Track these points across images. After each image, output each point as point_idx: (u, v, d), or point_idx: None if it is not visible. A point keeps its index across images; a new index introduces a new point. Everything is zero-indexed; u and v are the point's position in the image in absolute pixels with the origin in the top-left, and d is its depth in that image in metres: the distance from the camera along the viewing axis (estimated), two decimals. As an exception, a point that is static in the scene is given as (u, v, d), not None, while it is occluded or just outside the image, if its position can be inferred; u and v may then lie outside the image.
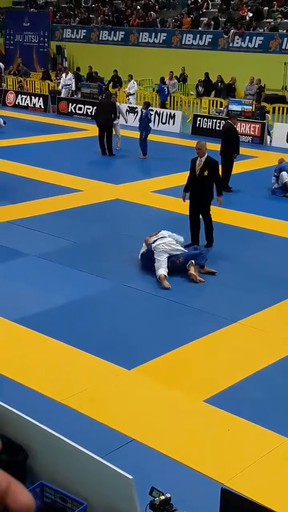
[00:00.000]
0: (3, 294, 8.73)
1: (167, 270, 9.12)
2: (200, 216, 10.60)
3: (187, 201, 10.60)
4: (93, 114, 22.43)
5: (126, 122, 19.48)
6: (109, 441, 5.59)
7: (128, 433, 5.72)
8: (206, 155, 10.42)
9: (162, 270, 9.09)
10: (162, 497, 4.11)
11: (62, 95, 25.89)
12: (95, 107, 22.37)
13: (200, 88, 26.22)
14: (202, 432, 5.80)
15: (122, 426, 5.82)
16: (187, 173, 10.65)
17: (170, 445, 5.59)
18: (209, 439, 5.71)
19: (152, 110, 21.76)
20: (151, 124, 18.26)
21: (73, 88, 26.39)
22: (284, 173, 14.16)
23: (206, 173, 10.32)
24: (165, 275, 9.03)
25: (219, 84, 26.24)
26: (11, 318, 7.94)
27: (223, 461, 5.43)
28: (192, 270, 9.23)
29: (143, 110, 18.15)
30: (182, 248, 9.56)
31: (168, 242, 9.45)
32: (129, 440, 5.63)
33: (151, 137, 17.89)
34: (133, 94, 24.80)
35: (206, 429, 5.84)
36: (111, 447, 5.45)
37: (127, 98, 24.72)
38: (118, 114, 18.20)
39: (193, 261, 9.29)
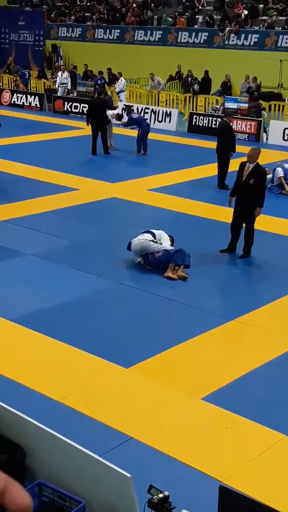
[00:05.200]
0: (0, 293, 8.72)
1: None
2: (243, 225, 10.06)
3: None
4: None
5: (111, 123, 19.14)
6: (107, 439, 5.59)
7: (126, 432, 5.72)
8: (256, 162, 9.88)
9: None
10: (161, 495, 4.11)
11: (58, 94, 25.86)
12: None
13: (195, 86, 26.20)
14: (200, 430, 5.81)
15: (120, 424, 5.82)
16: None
17: (168, 443, 5.59)
18: (207, 436, 5.72)
19: (148, 109, 22.63)
20: (147, 122, 18.85)
21: (69, 86, 26.38)
22: (278, 169, 14.29)
23: (252, 181, 9.79)
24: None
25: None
26: (7, 317, 7.93)
27: (221, 458, 5.43)
28: (179, 271, 9.22)
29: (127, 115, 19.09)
30: (159, 245, 9.45)
31: (139, 240, 9.48)
32: (127, 439, 5.63)
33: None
34: (123, 91, 24.90)
35: (205, 428, 5.84)
36: (109, 446, 5.45)
37: (118, 95, 24.80)
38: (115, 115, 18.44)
39: (181, 264, 9.24)
